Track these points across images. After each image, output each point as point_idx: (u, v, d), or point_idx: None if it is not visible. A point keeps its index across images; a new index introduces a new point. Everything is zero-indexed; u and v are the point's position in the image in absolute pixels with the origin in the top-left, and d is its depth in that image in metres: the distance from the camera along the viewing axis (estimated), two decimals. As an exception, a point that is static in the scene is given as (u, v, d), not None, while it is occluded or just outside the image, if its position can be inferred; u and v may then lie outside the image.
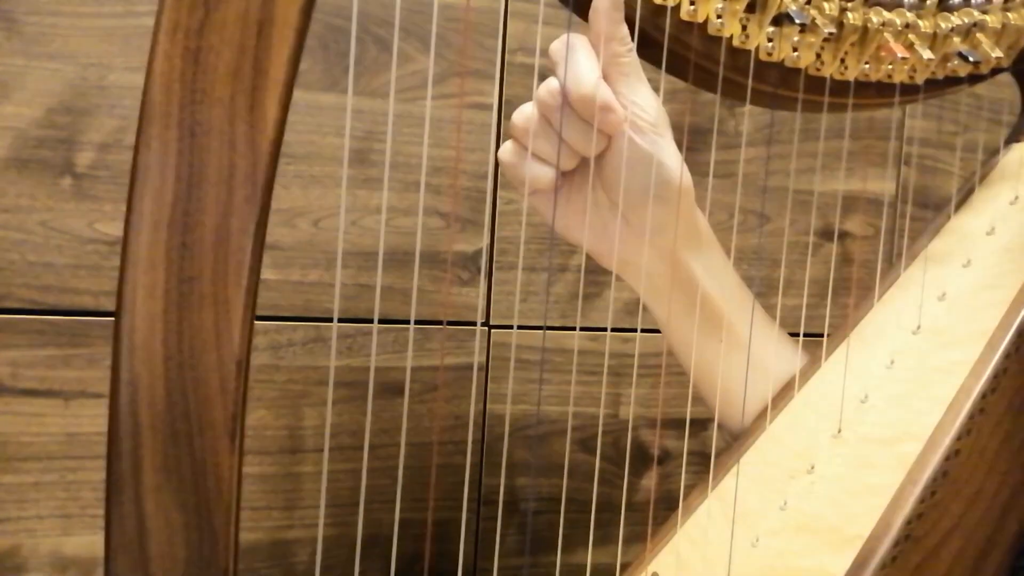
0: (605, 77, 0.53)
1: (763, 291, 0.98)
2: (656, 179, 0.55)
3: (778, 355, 0.65)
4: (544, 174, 0.56)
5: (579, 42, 0.52)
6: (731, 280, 0.63)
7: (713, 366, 0.63)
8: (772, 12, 0.54)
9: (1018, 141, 0.68)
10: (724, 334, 0.62)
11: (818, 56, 0.57)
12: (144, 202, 0.39)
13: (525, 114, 0.55)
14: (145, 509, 0.39)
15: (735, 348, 0.63)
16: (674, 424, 0.97)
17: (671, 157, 0.56)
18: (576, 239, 0.60)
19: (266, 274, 0.83)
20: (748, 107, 0.95)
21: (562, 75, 0.52)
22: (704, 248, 0.61)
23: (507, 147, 0.57)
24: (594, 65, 0.52)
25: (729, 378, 0.63)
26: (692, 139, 0.95)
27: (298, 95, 0.82)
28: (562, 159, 0.55)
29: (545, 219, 0.59)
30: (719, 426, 0.65)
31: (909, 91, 0.60)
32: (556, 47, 0.53)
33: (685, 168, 0.57)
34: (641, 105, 0.54)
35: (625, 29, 0.52)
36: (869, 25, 0.56)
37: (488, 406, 0.90)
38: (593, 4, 0.52)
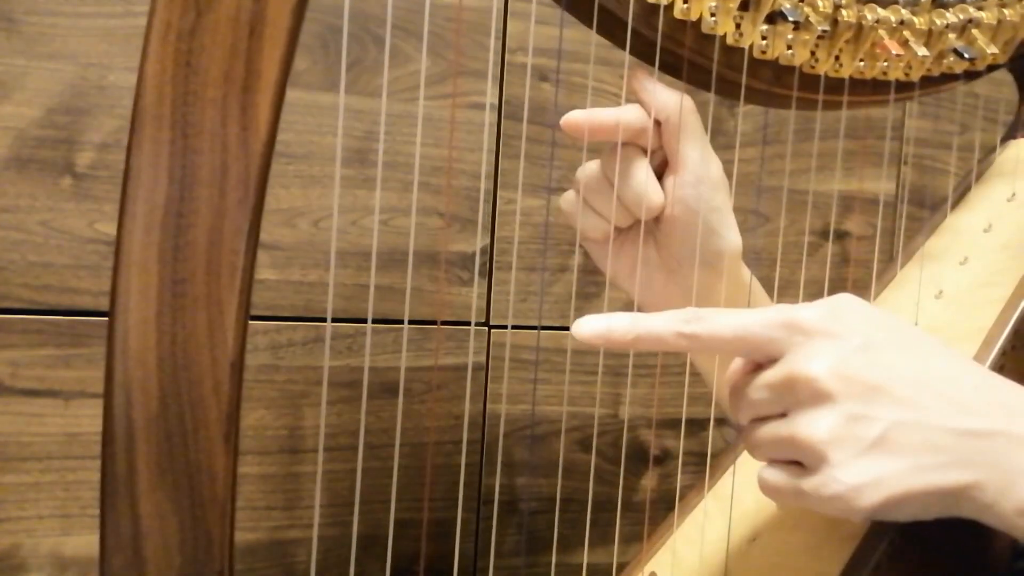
0: (669, 138, 0.55)
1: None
2: (708, 247, 0.57)
3: None
4: (597, 226, 0.58)
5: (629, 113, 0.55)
6: None
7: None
8: (766, 10, 0.54)
9: (1015, 138, 0.68)
10: None
11: (812, 54, 0.57)
12: (137, 204, 0.39)
13: (587, 170, 0.57)
14: (140, 510, 0.40)
15: None
16: (672, 424, 0.97)
17: (726, 226, 0.58)
18: (625, 287, 0.62)
19: (266, 274, 0.83)
20: (748, 107, 0.95)
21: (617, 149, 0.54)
22: (751, 304, 0.63)
23: (567, 196, 0.59)
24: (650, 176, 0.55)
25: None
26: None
27: (298, 95, 0.82)
28: (615, 217, 0.57)
29: (599, 266, 0.61)
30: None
31: (905, 88, 0.60)
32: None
33: (737, 231, 0.59)
34: (705, 167, 0.56)
35: (676, 92, 0.55)
36: (863, 22, 0.56)
37: (488, 406, 0.90)
38: (634, 88, 0.55)
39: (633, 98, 0.55)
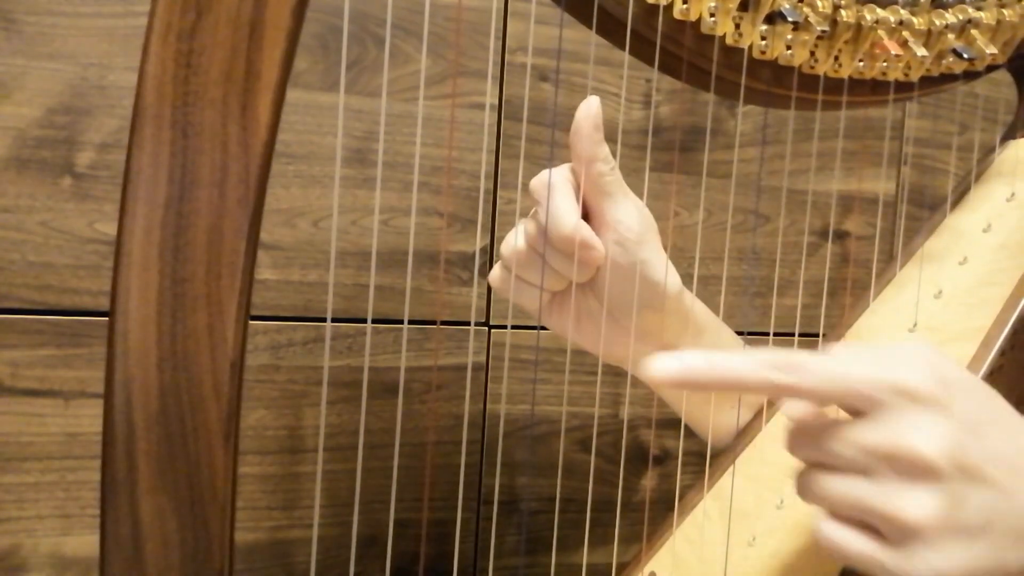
0: (588, 197, 0.56)
1: (762, 291, 0.98)
2: (646, 292, 0.58)
3: None
4: (533, 297, 0.59)
5: (559, 178, 0.55)
6: (729, 349, 0.64)
7: (714, 423, 0.65)
8: (765, 10, 0.54)
9: (1014, 138, 0.68)
10: (727, 400, 0.64)
11: (812, 54, 0.57)
12: (137, 204, 0.39)
13: (511, 245, 0.57)
14: (140, 510, 0.40)
15: (732, 400, 0.64)
16: (672, 424, 0.97)
17: (658, 270, 0.58)
18: (574, 340, 0.62)
19: (266, 274, 0.83)
20: (748, 107, 0.95)
21: (543, 214, 0.55)
22: (699, 334, 0.63)
23: (496, 273, 0.60)
24: (572, 204, 0.54)
25: (721, 421, 0.65)
26: (690, 139, 0.95)
27: (298, 95, 0.82)
28: (549, 283, 0.58)
29: (544, 324, 0.62)
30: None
31: (904, 88, 0.60)
32: (536, 185, 0.56)
33: (672, 270, 0.59)
34: (627, 223, 0.56)
35: (606, 149, 0.55)
36: (863, 23, 0.56)
37: (489, 406, 0.90)
38: (573, 128, 0.54)
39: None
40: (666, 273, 0.58)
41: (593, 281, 0.58)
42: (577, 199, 0.55)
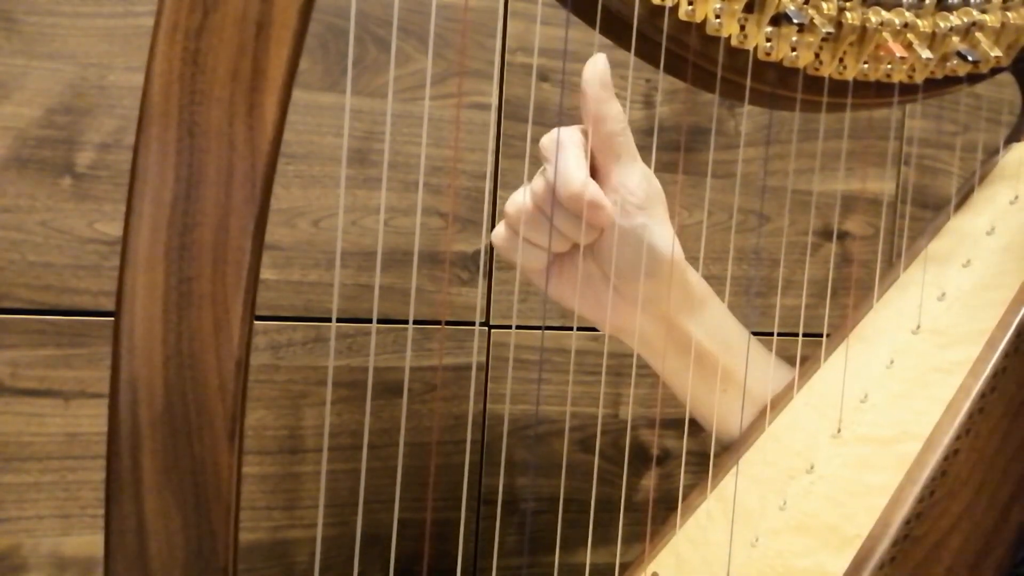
0: (596, 157, 0.55)
1: (763, 291, 0.98)
2: (646, 257, 0.57)
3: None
4: (536, 258, 0.58)
5: (568, 137, 0.54)
6: (730, 331, 0.64)
7: (710, 405, 0.64)
8: (770, 12, 0.54)
9: (1018, 140, 0.68)
10: (724, 381, 0.63)
11: (816, 56, 0.57)
12: (143, 203, 0.39)
13: (517, 203, 0.56)
14: (144, 509, 0.40)
15: (733, 388, 0.64)
16: (674, 424, 0.97)
17: (660, 236, 0.57)
18: (570, 306, 0.61)
19: (266, 274, 0.83)
20: (748, 107, 0.95)
21: (551, 172, 0.54)
22: (700, 308, 0.62)
23: (500, 231, 0.58)
24: (581, 163, 0.53)
25: (726, 413, 0.65)
26: (692, 139, 0.95)
27: (298, 95, 0.82)
28: (554, 244, 0.57)
29: (539, 288, 0.61)
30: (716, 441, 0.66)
31: (908, 91, 0.61)
32: (546, 143, 0.55)
33: (676, 240, 0.58)
34: (630, 188, 0.55)
35: (617, 107, 0.54)
36: (867, 25, 0.56)
37: (488, 406, 0.90)
38: (583, 86, 0.53)
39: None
40: (672, 243, 0.58)
41: (594, 245, 0.58)
42: (586, 159, 0.54)
